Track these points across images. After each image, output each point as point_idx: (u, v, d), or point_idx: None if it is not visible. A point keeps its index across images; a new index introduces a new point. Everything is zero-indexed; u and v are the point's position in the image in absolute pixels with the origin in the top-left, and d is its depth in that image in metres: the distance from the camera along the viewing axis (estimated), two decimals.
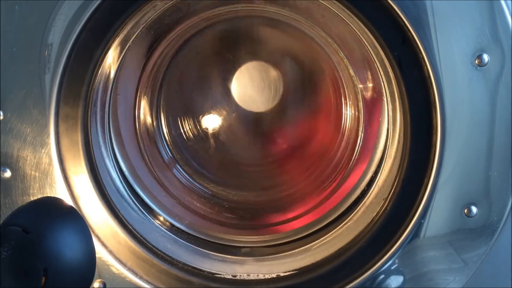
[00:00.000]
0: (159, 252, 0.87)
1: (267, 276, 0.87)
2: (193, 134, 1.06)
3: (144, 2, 0.79)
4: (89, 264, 0.64)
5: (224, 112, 1.04)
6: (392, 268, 0.79)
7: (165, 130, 1.05)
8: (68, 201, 0.82)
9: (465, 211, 0.76)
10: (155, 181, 0.99)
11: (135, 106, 0.99)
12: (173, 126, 1.05)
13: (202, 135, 1.06)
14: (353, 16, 0.76)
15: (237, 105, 1.02)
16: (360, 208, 0.88)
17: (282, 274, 0.86)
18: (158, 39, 0.95)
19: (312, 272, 0.84)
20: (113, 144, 0.92)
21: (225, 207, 1.02)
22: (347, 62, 0.94)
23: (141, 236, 0.87)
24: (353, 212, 0.89)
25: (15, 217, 0.63)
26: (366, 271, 0.80)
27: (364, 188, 0.91)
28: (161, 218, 0.94)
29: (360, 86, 0.94)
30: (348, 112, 1.00)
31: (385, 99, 0.86)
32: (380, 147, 0.90)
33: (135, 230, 0.87)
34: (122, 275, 0.84)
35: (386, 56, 0.76)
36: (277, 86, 1.01)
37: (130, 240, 0.85)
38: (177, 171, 1.05)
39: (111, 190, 0.87)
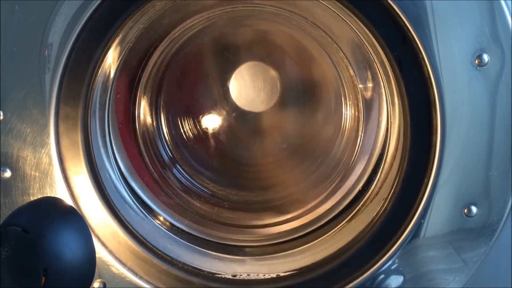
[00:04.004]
0: (159, 252, 0.87)
1: (267, 276, 0.87)
2: (193, 134, 1.06)
3: (144, 2, 0.79)
4: (89, 264, 0.64)
5: (224, 112, 1.04)
6: (392, 268, 0.79)
7: (165, 130, 1.05)
8: (68, 201, 0.82)
9: (465, 211, 0.76)
10: (155, 181, 0.99)
11: (135, 106, 0.99)
12: (173, 126, 1.05)
13: (202, 135, 1.06)
14: (353, 16, 0.76)
15: (236, 106, 1.02)
16: (360, 208, 0.88)
17: (282, 274, 0.86)
18: (158, 39, 0.95)
19: (312, 272, 0.84)
20: (113, 144, 0.92)
21: (225, 207, 1.02)
22: (347, 62, 0.94)
23: (141, 236, 0.87)
24: (353, 212, 0.89)
25: (15, 217, 0.63)
26: (366, 271, 0.80)
27: (364, 188, 0.91)
28: (161, 218, 0.94)
29: (360, 86, 0.94)
30: (348, 112, 1.00)
31: (385, 99, 0.86)
32: (380, 147, 0.90)
33: (135, 230, 0.87)
34: (122, 275, 0.84)
35: (386, 56, 0.76)
36: (277, 86, 1.01)
37: (130, 240, 0.85)
38: (177, 171, 1.05)
39: (111, 190, 0.87)
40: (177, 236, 0.92)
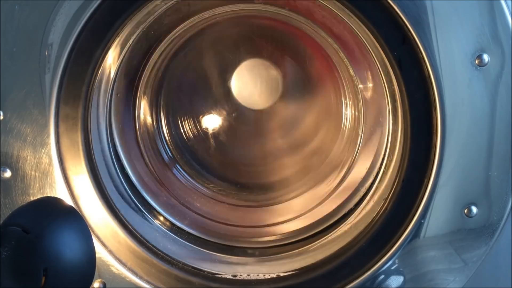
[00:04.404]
0: (159, 252, 0.87)
1: (267, 276, 0.87)
2: (193, 134, 1.06)
3: (144, 2, 0.79)
4: (89, 264, 0.64)
5: (224, 112, 1.04)
6: (392, 268, 0.79)
7: (165, 130, 1.05)
8: (68, 201, 0.82)
9: (465, 211, 0.76)
10: (155, 181, 0.99)
11: (135, 106, 0.99)
12: (173, 126, 1.05)
13: (202, 135, 1.06)
14: (353, 16, 0.76)
15: (237, 104, 1.02)
16: (360, 208, 0.88)
17: (282, 274, 0.86)
18: (158, 39, 0.95)
19: (312, 272, 0.84)
20: (113, 144, 0.92)
21: (225, 207, 1.02)
22: (347, 62, 0.94)
23: (141, 236, 0.87)
24: (353, 212, 0.89)
25: (15, 217, 0.63)
26: (366, 271, 0.80)
27: (364, 188, 0.91)
28: (161, 218, 0.94)
29: (360, 86, 0.94)
30: (348, 112, 1.00)
31: (385, 99, 0.86)
32: (380, 147, 0.90)
33: (135, 230, 0.87)
34: (122, 275, 0.84)
35: (386, 56, 0.76)
36: (276, 87, 1.00)
37: (130, 240, 0.85)
38: (177, 171, 1.05)
39: (111, 190, 0.87)
40: (177, 236, 0.92)
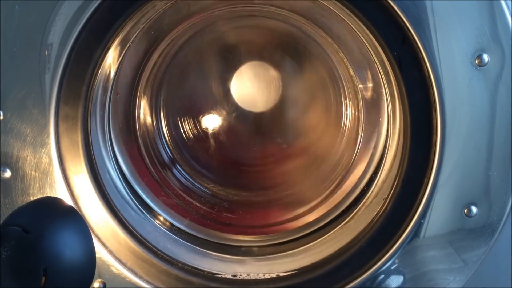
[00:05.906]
0: (159, 252, 0.87)
1: (267, 276, 0.87)
2: (193, 134, 1.06)
3: (144, 2, 0.79)
4: (89, 264, 0.64)
5: (224, 112, 1.04)
6: (392, 268, 0.79)
7: (165, 130, 1.05)
8: (68, 201, 0.82)
9: (465, 211, 0.76)
10: (155, 181, 0.99)
11: (135, 106, 0.99)
12: (173, 126, 1.05)
13: (202, 135, 1.06)
14: (353, 16, 0.76)
15: (237, 105, 1.02)
16: (360, 208, 0.88)
17: (282, 274, 0.86)
18: (158, 39, 0.95)
19: (312, 272, 0.84)
20: (113, 144, 0.92)
21: (225, 207, 1.02)
22: (347, 62, 0.94)
23: (141, 236, 0.87)
24: (353, 212, 0.89)
25: (15, 217, 0.63)
26: (366, 271, 0.80)
27: (364, 188, 0.91)
28: (161, 218, 0.94)
29: (360, 86, 0.94)
30: (348, 112, 1.00)
31: (385, 99, 0.86)
32: (380, 147, 0.90)
33: (135, 230, 0.87)
34: (122, 275, 0.84)
35: (386, 56, 0.76)
36: (276, 86, 1.01)
37: (130, 240, 0.85)
38: (177, 171, 1.05)
39: (111, 190, 0.87)
40: (177, 236, 0.92)
